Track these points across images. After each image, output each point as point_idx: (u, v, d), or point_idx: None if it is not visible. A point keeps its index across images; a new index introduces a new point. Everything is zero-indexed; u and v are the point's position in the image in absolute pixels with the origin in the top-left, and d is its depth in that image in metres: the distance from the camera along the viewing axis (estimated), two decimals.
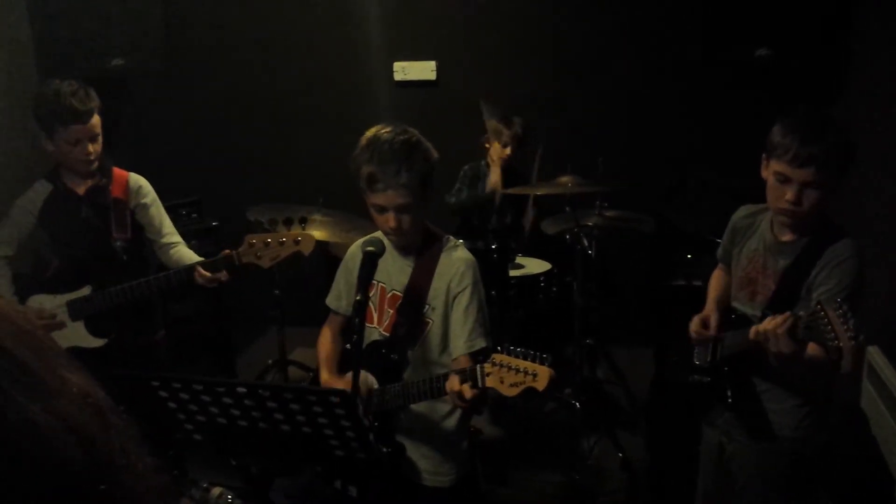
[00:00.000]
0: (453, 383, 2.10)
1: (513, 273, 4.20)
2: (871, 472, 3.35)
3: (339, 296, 2.60)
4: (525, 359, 1.99)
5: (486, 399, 2.13)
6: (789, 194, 2.20)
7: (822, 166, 2.13)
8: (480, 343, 2.31)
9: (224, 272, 2.91)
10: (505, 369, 2.01)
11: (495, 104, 4.47)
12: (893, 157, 3.73)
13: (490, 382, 2.03)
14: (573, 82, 5.18)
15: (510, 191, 4.25)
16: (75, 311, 3.01)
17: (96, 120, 2.94)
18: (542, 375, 1.96)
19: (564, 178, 3.95)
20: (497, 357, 2.03)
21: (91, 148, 2.95)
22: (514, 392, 2.00)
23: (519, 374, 1.98)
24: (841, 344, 1.91)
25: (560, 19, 5.13)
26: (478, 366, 2.06)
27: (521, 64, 5.24)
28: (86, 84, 2.95)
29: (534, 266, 4.36)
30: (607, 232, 4.14)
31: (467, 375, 2.09)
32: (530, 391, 1.99)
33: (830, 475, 3.16)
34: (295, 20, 5.40)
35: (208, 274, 2.90)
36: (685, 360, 2.65)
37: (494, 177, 4.44)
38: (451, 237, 2.50)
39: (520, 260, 4.40)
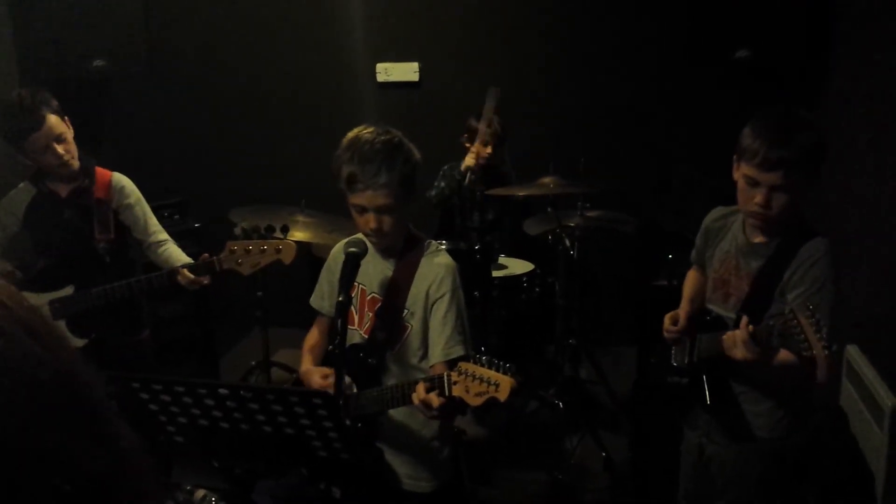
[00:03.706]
0: (419, 393, 2.08)
1: (495, 273, 4.21)
2: (852, 470, 3.37)
3: (322, 296, 2.59)
4: (490, 368, 1.97)
5: (456, 409, 2.12)
6: (758, 197, 2.20)
7: (791, 170, 2.13)
8: (458, 351, 2.28)
9: (206, 276, 2.92)
10: (470, 378, 1.99)
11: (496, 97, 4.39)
12: (871, 156, 3.76)
13: (456, 391, 2.01)
14: (555, 83, 5.20)
15: (493, 191, 4.25)
16: (56, 310, 3.01)
17: (53, 121, 2.89)
18: (503, 386, 1.94)
19: (546, 179, 3.96)
20: (463, 366, 2.01)
21: (61, 149, 2.93)
22: (478, 402, 1.99)
23: (483, 383, 1.97)
24: (815, 353, 1.91)
25: (543, 20, 5.14)
26: (444, 374, 2.05)
27: (503, 65, 5.25)
28: (35, 89, 2.92)
29: (516, 266, 4.37)
30: (589, 232, 4.16)
31: (434, 384, 2.08)
32: (493, 401, 1.98)
33: (812, 474, 3.18)
34: (278, 21, 5.38)
35: (191, 276, 2.91)
36: (664, 361, 2.66)
37: (469, 159, 4.34)
38: (433, 241, 2.49)
39: (503, 260, 4.42)
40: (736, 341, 2.11)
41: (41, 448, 0.64)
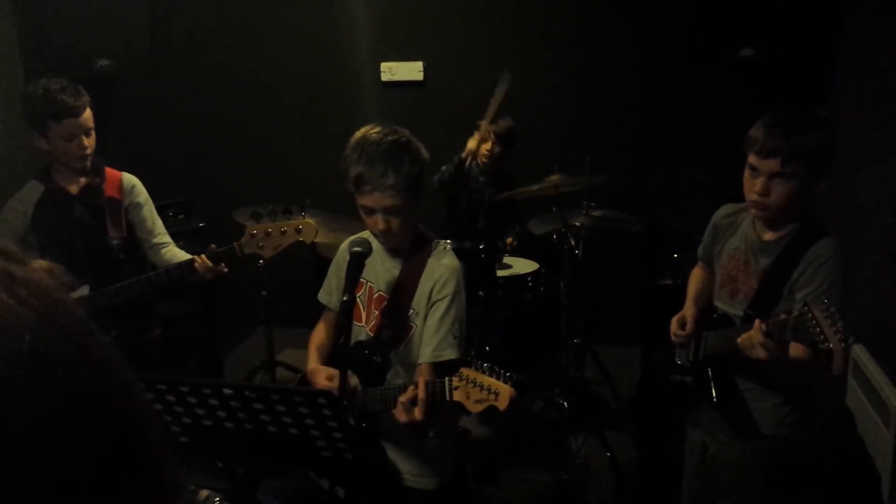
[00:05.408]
0: (408, 394, 2.10)
1: (500, 273, 4.20)
2: (858, 470, 3.37)
3: (331, 292, 2.59)
4: (491, 375, 1.99)
5: (430, 422, 2.13)
6: (757, 185, 2.24)
7: (788, 158, 2.16)
8: (449, 354, 2.27)
9: (223, 264, 2.91)
10: (471, 385, 2.01)
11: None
12: (877, 155, 3.75)
13: (457, 396, 2.03)
14: (561, 82, 5.19)
15: (499, 197, 4.24)
16: None
17: (88, 114, 2.94)
18: (503, 395, 1.96)
19: (552, 178, 3.95)
20: (465, 371, 2.03)
21: (86, 142, 2.96)
22: (478, 408, 2.00)
23: (483, 391, 1.99)
24: (831, 346, 1.91)
25: (548, 19, 5.13)
26: (446, 379, 2.06)
27: (508, 64, 5.22)
28: (74, 82, 2.95)
29: (521, 266, 4.36)
30: (594, 232, 4.14)
31: (436, 388, 2.09)
32: (493, 409, 1.99)
33: (818, 474, 3.17)
34: (282, 21, 5.38)
35: (210, 264, 2.89)
36: (668, 361, 2.66)
37: (472, 143, 4.29)
38: (441, 241, 2.48)
39: (507, 260, 4.40)
40: (753, 343, 2.12)
41: (82, 478, 0.59)
